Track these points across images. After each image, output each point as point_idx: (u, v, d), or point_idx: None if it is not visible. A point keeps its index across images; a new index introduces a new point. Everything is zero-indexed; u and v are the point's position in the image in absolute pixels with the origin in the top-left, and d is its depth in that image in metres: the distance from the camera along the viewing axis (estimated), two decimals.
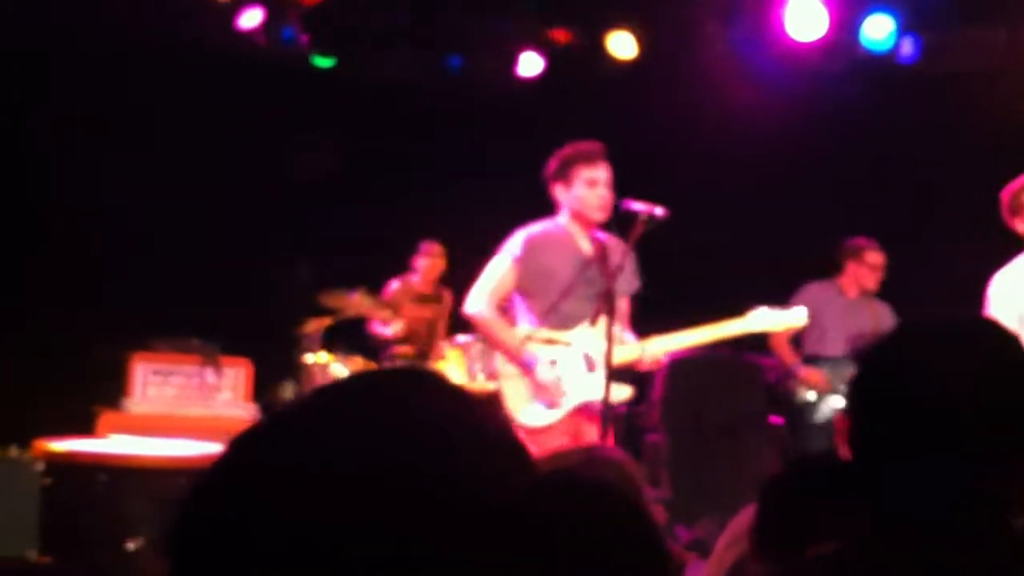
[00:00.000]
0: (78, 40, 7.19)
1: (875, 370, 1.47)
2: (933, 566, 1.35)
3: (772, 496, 2.45)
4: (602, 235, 4.54)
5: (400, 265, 8.02)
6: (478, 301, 4.56)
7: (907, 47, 7.21)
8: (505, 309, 4.70)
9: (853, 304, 6.68)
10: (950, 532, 1.37)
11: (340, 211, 8.32)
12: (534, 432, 4.35)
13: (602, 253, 4.49)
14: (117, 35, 7.12)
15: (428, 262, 7.91)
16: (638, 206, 4.38)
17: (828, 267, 7.01)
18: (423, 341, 7.85)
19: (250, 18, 7.35)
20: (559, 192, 4.54)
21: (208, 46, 7.50)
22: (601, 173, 4.47)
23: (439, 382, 0.96)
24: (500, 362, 4.57)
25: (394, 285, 7.92)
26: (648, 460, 6.93)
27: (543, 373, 4.38)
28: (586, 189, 4.46)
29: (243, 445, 0.89)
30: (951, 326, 1.49)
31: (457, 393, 0.95)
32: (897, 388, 1.43)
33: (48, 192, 7.26)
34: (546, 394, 4.38)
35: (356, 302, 7.14)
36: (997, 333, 1.46)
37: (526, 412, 4.43)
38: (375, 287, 7.80)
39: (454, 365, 7.37)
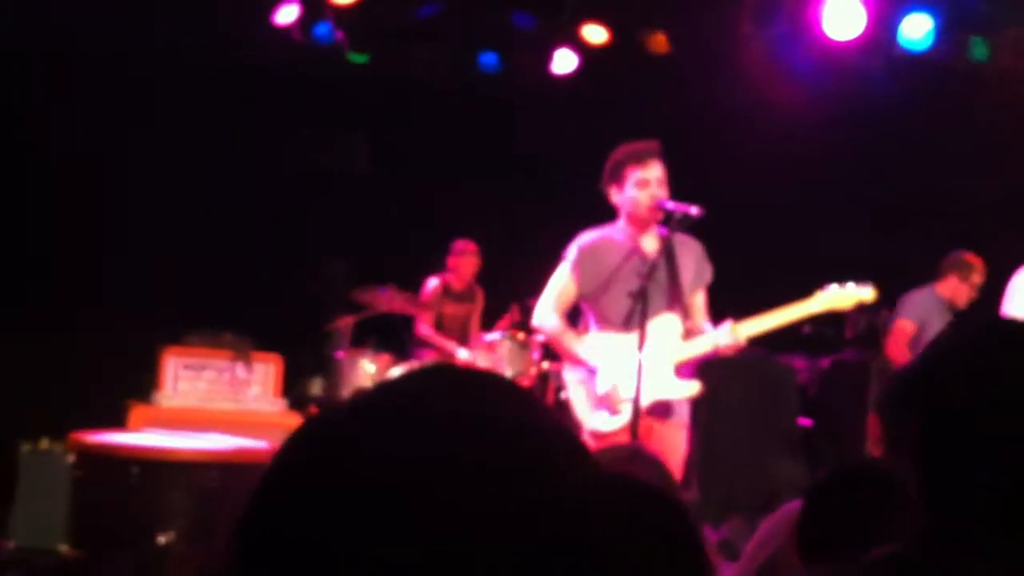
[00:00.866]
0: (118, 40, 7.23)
1: (941, 378, 1.44)
2: None
3: (818, 499, 2.43)
4: (664, 231, 4.46)
5: (436, 263, 8.04)
6: (543, 312, 4.61)
7: (945, 46, 7.14)
8: (574, 317, 4.73)
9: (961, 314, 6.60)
10: (1004, 548, 1.35)
11: (374, 208, 8.34)
12: (603, 436, 4.35)
13: (668, 251, 4.44)
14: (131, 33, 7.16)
15: (463, 260, 7.92)
16: (673, 205, 4.35)
17: (862, 264, 6.95)
18: (457, 339, 7.86)
19: (286, 14, 7.37)
20: (614, 195, 4.52)
21: (244, 44, 7.53)
22: (653, 172, 4.41)
23: (497, 381, 0.94)
24: (566, 370, 4.60)
25: (432, 283, 7.93)
26: None
27: (600, 385, 4.38)
28: (637, 190, 4.41)
29: (311, 444, 0.88)
30: (1009, 333, 1.46)
31: (519, 393, 0.94)
32: (963, 396, 1.41)
33: (79, 185, 7.31)
34: (606, 402, 4.37)
35: (387, 298, 7.14)
36: None
37: (593, 417, 4.43)
38: (410, 284, 7.82)
39: (482, 363, 7.37)
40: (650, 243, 4.51)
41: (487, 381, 0.93)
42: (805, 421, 6.93)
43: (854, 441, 6.35)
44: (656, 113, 7.39)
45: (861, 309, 6.80)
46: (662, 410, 4.38)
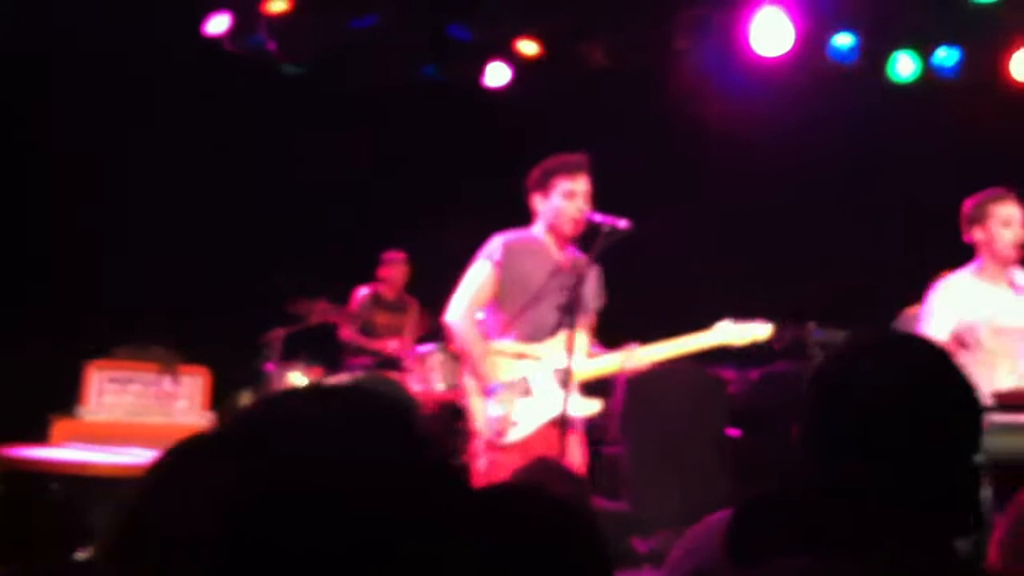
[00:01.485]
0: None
1: (826, 383, 1.50)
2: None
3: (750, 508, 2.47)
4: (572, 250, 4.54)
5: (367, 274, 8.02)
6: (458, 310, 4.48)
7: (868, 63, 7.29)
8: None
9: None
10: (899, 556, 1.39)
11: (309, 219, 8.29)
12: (502, 448, 4.32)
13: (572, 266, 4.49)
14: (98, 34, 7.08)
15: (393, 270, 7.93)
16: (602, 219, 4.38)
17: (799, 273, 7.06)
18: (389, 348, 7.85)
19: (217, 24, 7.31)
20: (537, 202, 4.53)
21: (176, 44, 7.46)
22: (580, 185, 4.45)
23: (389, 397, 0.95)
24: (467, 376, 4.52)
25: (361, 292, 7.93)
26: (607, 472, 6.94)
27: (492, 409, 4.36)
28: (564, 200, 4.44)
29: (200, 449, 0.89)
30: (891, 343, 1.55)
31: (400, 411, 0.95)
32: (840, 400, 1.49)
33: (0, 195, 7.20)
34: (494, 425, 4.35)
35: (319, 310, 7.12)
36: (930, 350, 1.54)
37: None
38: (342, 296, 7.79)
39: (414, 374, 7.36)
40: (558, 255, 4.54)
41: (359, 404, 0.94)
42: (734, 432, 7.01)
43: (782, 451, 6.43)
44: (588, 127, 7.44)
45: (787, 323, 6.91)
46: (565, 424, 4.35)
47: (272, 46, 7.56)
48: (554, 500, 1.36)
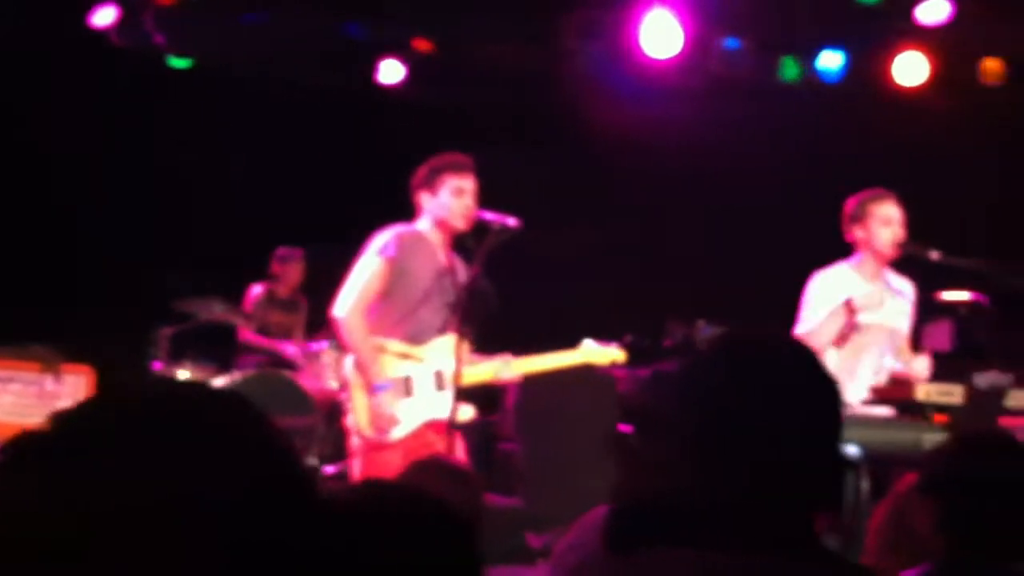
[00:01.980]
0: None
1: (689, 382, 1.53)
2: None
3: (626, 502, 2.51)
4: (452, 251, 4.56)
5: (260, 271, 7.92)
6: (346, 304, 4.45)
7: (757, 66, 7.44)
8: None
9: None
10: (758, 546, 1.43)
11: (200, 215, 8.15)
12: (380, 447, 4.33)
13: (453, 267, 4.49)
14: None
15: (287, 267, 7.84)
16: (492, 216, 4.41)
17: (688, 271, 7.15)
18: (283, 346, 7.77)
19: (103, 16, 7.14)
20: (424, 199, 4.52)
21: (61, 36, 7.28)
22: (468, 184, 4.49)
23: (222, 399, 0.95)
24: (351, 372, 4.49)
25: (255, 291, 7.82)
26: (502, 468, 6.96)
27: (381, 405, 4.35)
28: (452, 198, 4.46)
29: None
30: (754, 342, 1.56)
31: (238, 413, 0.94)
32: (702, 399, 1.51)
33: None
34: (377, 422, 4.34)
35: (209, 308, 7.01)
36: (793, 349, 1.56)
37: (371, 428, 4.40)
38: (236, 293, 7.68)
39: (306, 372, 7.30)
40: (442, 254, 4.57)
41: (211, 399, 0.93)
42: (625, 428, 7.09)
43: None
44: (479, 125, 7.47)
45: (679, 322, 7.03)
46: (440, 424, 4.41)
47: (160, 39, 7.41)
48: (425, 499, 1.37)
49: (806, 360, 1.54)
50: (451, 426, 4.22)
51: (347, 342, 4.51)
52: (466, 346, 4.50)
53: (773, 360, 1.52)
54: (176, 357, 6.94)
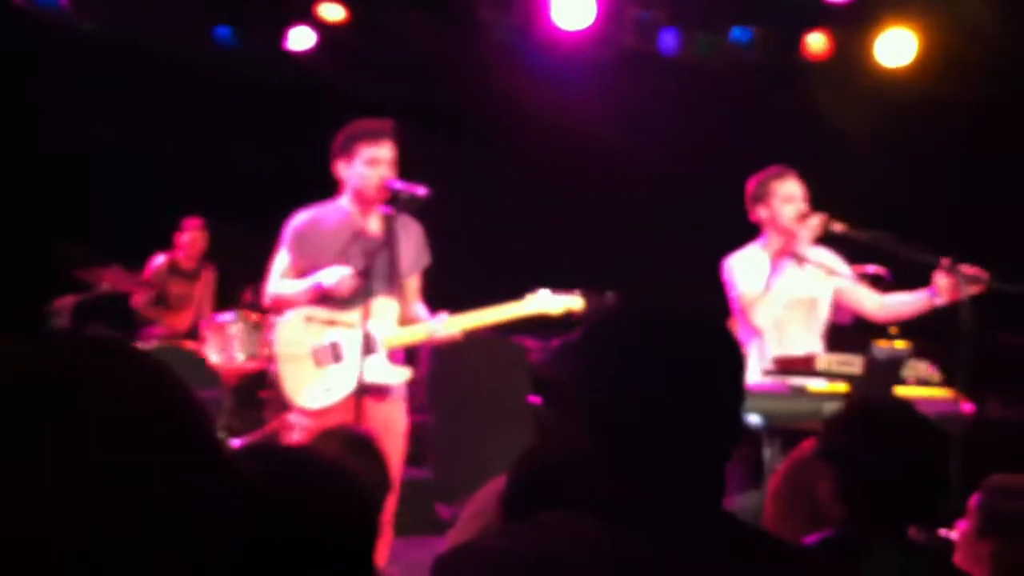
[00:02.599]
0: None
1: (582, 349, 1.53)
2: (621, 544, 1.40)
3: (522, 468, 2.52)
4: (389, 211, 4.45)
5: (164, 241, 7.79)
6: (270, 294, 4.53)
7: (668, 40, 7.48)
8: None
9: None
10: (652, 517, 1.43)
11: (102, 185, 7.97)
12: (313, 414, 4.29)
13: (389, 231, 4.43)
14: None
15: (190, 237, 7.72)
16: (401, 186, 4.36)
17: (600, 244, 7.18)
18: (188, 319, 7.66)
19: None
20: (341, 168, 4.47)
21: None
22: (384, 152, 4.40)
23: (123, 353, 0.92)
24: (281, 343, 4.43)
25: (158, 260, 7.69)
26: (413, 439, 6.95)
27: (329, 277, 4.31)
28: (366, 168, 4.39)
29: None
30: (648, 310, 1.54)
31: (137, 365, 0.92)
32: (594, 366, 1.50)
33: None
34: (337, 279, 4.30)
35: (111, 277, 6.86)
36: (691, 315, 1.54)
37: (304, 394, 4.36)
38: (138, 262, 7.54)
39: (212, 344, 7.20)
40: (374, 223, 4.50)
41: (111, 354, 0.91)
42: (535, 399, 7.13)
43: None
44: (393, 94, 7.39)
45: (590, 293, 7.06)
46: (378, 390, 4.37)
47: (64, 2, 7.21)
48: (324, 467, 1.35)
49: (700, 324, 1.52)
50: (360, 390, 4.17)
51: (288, 303, 4.48)
52: (397, 308, 4.45)
53: (662, 324, 1.50)
54: (78, 327, 6.78)
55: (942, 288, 4.56)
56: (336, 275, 4.31)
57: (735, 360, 1.52)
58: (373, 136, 4.41)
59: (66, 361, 0.89)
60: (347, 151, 4.43)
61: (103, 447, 0.85)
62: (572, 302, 4.72)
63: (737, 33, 7.59)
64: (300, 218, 4.51)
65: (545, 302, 4.65)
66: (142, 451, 0.86)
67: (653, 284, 7.08)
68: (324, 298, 4.40)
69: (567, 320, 7.32)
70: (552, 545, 1.41)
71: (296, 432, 4.37)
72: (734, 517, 1.48)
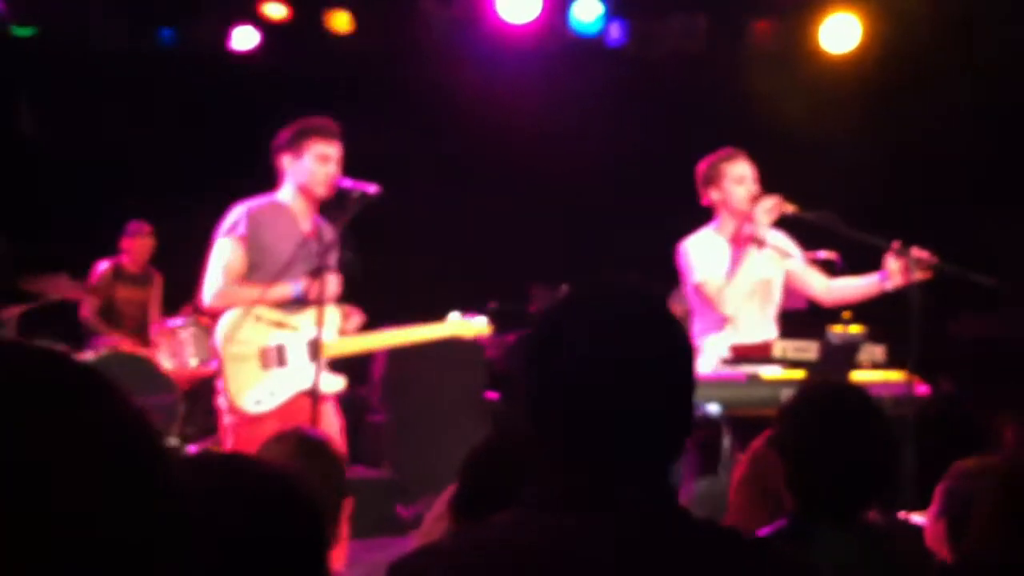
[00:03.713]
0: None
1: (532, 339, 1.51)
2: (579, 539, 1.39)
3: (473, 468, 2.50)
4: (318, 216, 4.46)
5: (110, 247, 7.67)
6: (210, 291, 4.38)
7: (615, 31, 7.48)
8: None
9: None
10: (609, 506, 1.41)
11: (46, 188, 7.84)
12: (254, 419, 4.24)
13: (318, 233, 4.41)
14: None
15: (137, 242, 7.61)
16: (351, 184, 4.33)
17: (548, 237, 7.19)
18: (134, 324, 7.56)
19: None
20: (287, 162, 4.41)
21: None
22: (334, 150, 4.38)
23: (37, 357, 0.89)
24: (225, 345, 4.35)
25: (102, 266, 7.57)
26: (370, 440, 6.92)
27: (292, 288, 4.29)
28: (316, 164, 4.36)
29: None
30: (597, 296, 1.52)
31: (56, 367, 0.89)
32: (542, 356, 1.47)
33: None
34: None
35: (59, 286, 6.76)
36: (641, 302, 1.51)
37: (246, 398, 4.30)
38: (82, 270, 7.42)
39: (164, 350, 7.12)
40: (306, 221, 4.46)
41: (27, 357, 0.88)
42: (493, 395, 7.12)
43: None
44: (338, 91, 7.34)
45: (542, 285, 7.07)
46: (311, 394, 4.30)
47: (1, 5, 7.09)
48: (270, 473, 1.33)
49: (645, 312, 1.49)
50: (315, 396, 4.13)
51: (233, 307, 4.38)
52: (342, 315, 4.41)
53: (605, 314, 1.47)
54: (26, 337, 6.67)
55: (892, 272, 4.57)
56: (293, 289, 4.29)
57: (681, 348, 1.49)
58: (325, 134, 4.39)
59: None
60: (296, 146, 4.38)
61: (25, 459, 0.82)
62: (478, 326, 4.77)
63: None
64: (255, 204, 4.42)
65: (459, 326, 4.73)
66: (66, 470, 0.82)
67: (603, 274, 7.09)
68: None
69: (524, 316, 7.32)
70: (502, 544, 1.40)
71: (230, 435, 4.31)
72: (682, 508, 1.46)
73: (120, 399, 0.90)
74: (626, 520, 1.39)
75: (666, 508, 1.44)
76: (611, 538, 1.37)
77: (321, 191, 4.37)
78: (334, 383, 4.42)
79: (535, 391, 1.46)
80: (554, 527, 1.39)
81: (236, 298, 4.34)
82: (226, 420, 4.33)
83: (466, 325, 4.72)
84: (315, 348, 4.25)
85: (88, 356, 6.69)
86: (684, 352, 1.49)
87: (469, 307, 4.87)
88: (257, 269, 4.36)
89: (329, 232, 4.43)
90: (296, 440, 2.61)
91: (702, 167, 4.80)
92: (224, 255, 4.36)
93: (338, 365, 4.50)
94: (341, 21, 7.51)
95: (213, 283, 4.37)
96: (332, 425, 4.39)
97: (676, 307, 4.82)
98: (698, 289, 4.74)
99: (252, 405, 4.28)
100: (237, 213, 4.39)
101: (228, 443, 4.32)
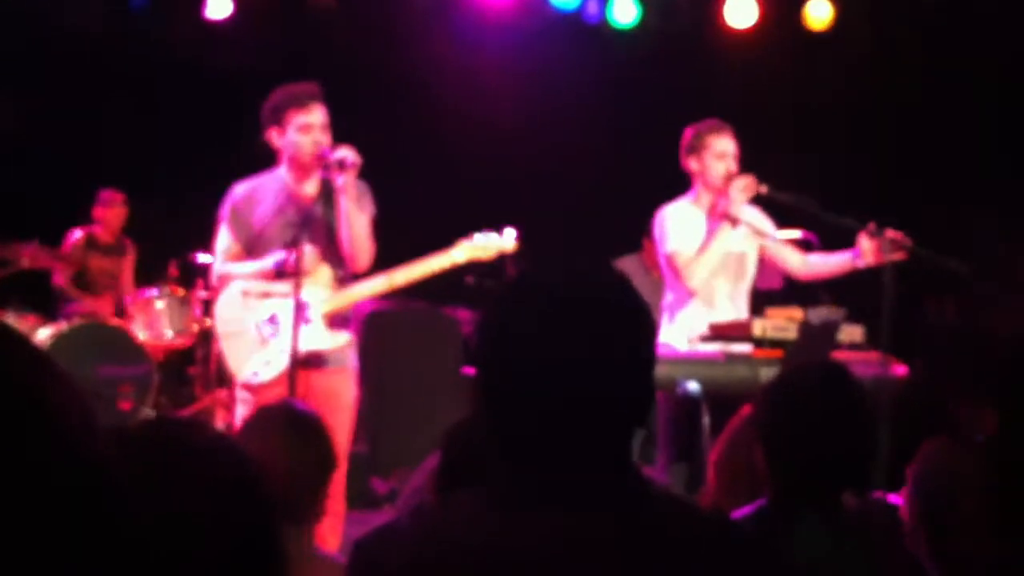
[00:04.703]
0: None
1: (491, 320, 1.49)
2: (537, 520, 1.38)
3: (455, 444, 2.51)
4: (327, 176, 4.32)
5: (83, 215, 7.62)
6: (215, 275, 4.47)
7: (592, 7, 7.48)
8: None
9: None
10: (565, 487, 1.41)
11: (17, 160, 7.76)
12: (256, 388, 4.24)
13: (327, 197, 4.32)
14: None
15: (110, 211, 7.56)
16: (328, 155, 4.28)
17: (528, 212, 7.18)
18: (107, 294, 7.52)
19: None
20: (274, 137, 4.35)
21: None
22: (315, 117, 4.28)
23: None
24: (221, 322, 4.40)
25: (75, 235, 7.51)
26: None
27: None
28: (299, 135, 4.27)
29: None
30: (542, 277, 1.49)
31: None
32: (491, 338, 1.46)
33: None
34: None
35: (30, 253, 6.69)
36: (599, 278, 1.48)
37: (246, 370, 4.31)
38: (55, 238, 7.36)
39: (139, 321, 7.08)
40: (311, 188, 4.40)
41: None
42: (469, 371, 7.12)
43: None
44: (317, 64, 7.28)
45: (518, 263, 7.03)
46: (316, 360, 4.30)
47: None
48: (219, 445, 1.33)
49: (601, 291, 1.46)
50: (294, 360, 4.09)
51: (244, 281, 4.38)
52: (329, 274, 4.38)
53: (559, 292, 1.44)
54: None
55: (865, 251, 4.59)
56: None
57: (640, 328, 1.46)
58: (301, 102, 4.29)
59: None
60: (277, 120, 4.32)
61: None
62: (504, 243, 4.60)
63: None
64: (236, 192, 4.42)
65: (477, 247, 4.55)
66: None
67: (570, 251, 7.11)
68: (257, 271, 4.35)
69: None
70: (452, 528, 1.40)
71: (241, 407, 4.33)
72: (645, 489, 1.44)
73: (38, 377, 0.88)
74: (581, 513, 1.38)
75: (622, 493, 1.42)
76: (566, 534, 1.36)
77: (308, 160, 4.30)
78: (335, 339, 4.37)
79: (487, 375, 1.44)
80: (498, 515, 1.38)
81: (230, 276, 4.39)
82: (237, 393, 4.39)
83: (483, 245, 4.56)
84: (307, 312, 4.22)
85: (61, 326, 6.65)
86: (644, 334, 1.46)
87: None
88: (249, 246, 4.37)
89: (320, 195, 4.38)
90: (280, 414, 2.60)
91: (688, 134, 4.81)
92: (220, 239, 4.44)
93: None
94: None
95: (216, 267, 4.48)
96: (342, 396, 4.37)
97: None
98: (669, 259, 4.76)
99: (251, 377, 4.29)
100: (227, 198, 4.42)
101: (239, 412, 4.35)
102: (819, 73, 7.52)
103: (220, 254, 4.43)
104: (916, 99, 7.33)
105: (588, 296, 1.43)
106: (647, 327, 1.47)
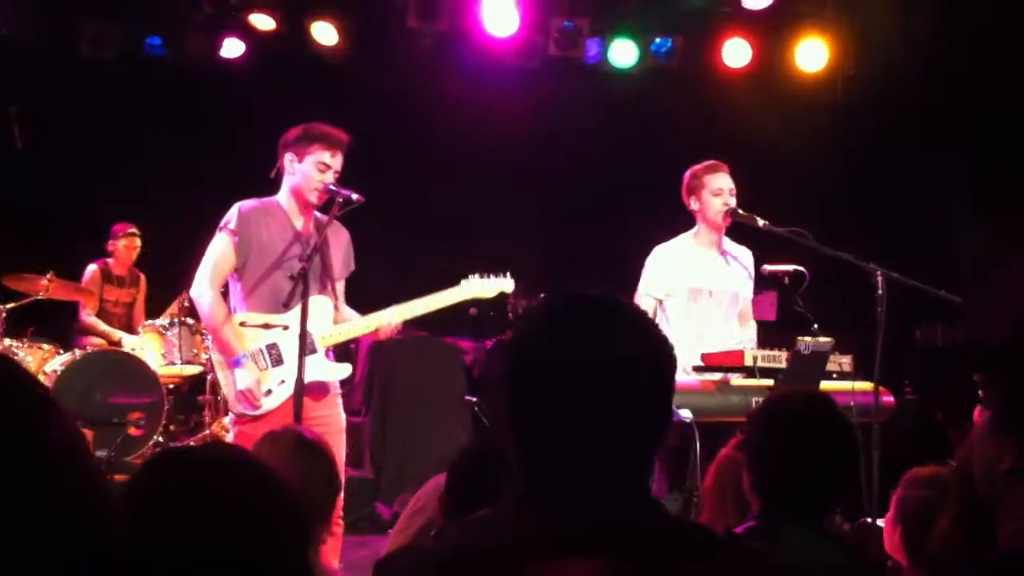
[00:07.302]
0: None
1: (502, 348, 1.57)
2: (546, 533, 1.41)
3: (462, 466, 2.63)
4: (322, 216, 4.48)
5: (96, 249, 7.75)
6: (201, 283, 4.42)
7: (592, 48, 7.62)
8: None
9: None
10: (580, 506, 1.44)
11: (32, 192, 7.90)
12: (253, 420, 4.29)
13: (318, 232, 4.43)
14: None
15: (123, 244, 7.69)
16: (335, 189, 4.39)
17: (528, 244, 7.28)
18: (120, 325, 7.64)
19: None
20: (288, 160, 4.45)
21: None
22: (336, 162, 4.41)
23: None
24: (213, 351, 4.48)
25: (91, 269, 7.66)
26: (351, 440, 7.00)
27: (239, 381, 4.33)
28: (314, 171, 4.38)
29: None
30: (572, 308, 1.52)
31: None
32: (510, 364, 1.49)
33: None
34: (244, 398, 4.32)
35: (45, 286, 6.84)
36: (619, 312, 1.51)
37: (239, 403, 4.38)
38: (70, 270, 7.49)
39: (151, 350, 7.19)
40: (300, 221, 4.51)
41: None
42: (472, 398, 7.23)
43: None
44: (326, 101, 7.43)
45: (521, 294, 7.17)
46: (316, 389, 4.38)
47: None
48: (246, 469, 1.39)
49: (621, 318, 1.49)
50: (299, 390, 4.14)
51: (203, 319, 4.48)
52: (331, 306, 4.49)
53: (580, 319, 1.47)
54: (14, 335, 6.76)
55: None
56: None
57: (659, 354, 1.49)
58: (331, 142, 4.41)
59: None
60: (301, 147, 4.41)
61: None
62: (504, 285, 4.76)
63: (658, 44, 7.75)
64: (248, 204, 4.47)
65: (478, 287, 4.69)
66: None
67: (581, 281, 7.23)
68: (253, 300, 4.39)
69: (503, 322, 7.46)
70: (481, 544, 1.42)
71: (233, 438, 4.37)
72: (658, 508, 1.47)
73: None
74: (603, 532, 1.40)
75: (640, 510, 1.45)
76: (589, 551, 1.37)
77: (312, 198, 4.42)
78: (339, 370, 4.47)
79: (511, 398, 1.46)
80: (528, 530, 1.40)
81: (209, 312, 4.40)
82: (227, 422, 4.40)
83: (487, 285, 4.70)
84: (308, 343, 4.28)
85: (76, 355, 6.77)
86: (663, 360, 1.49)
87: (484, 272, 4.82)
88: (248, 266, 4.40)
89: (337, 233, 4.52)
90: (291, 439, 2.72)
91: (686, 176, 4.99)
92: (216, 249, 4.43)
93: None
94: (327, 33, 7.59)
95: (202, 274, 4.43)
96: (337, 422, 4.46)
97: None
98: (637, 300, 4.90)
99: (246, 408, 4.34)
100: (232, 209, 4.45)
101: (233, 441, 4.38)
102: (813, 110, 7.66)
103: (212, 263, 4.41)
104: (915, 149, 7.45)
105: (609, 320, 1.47)
106: (668, 354, 1.50)
